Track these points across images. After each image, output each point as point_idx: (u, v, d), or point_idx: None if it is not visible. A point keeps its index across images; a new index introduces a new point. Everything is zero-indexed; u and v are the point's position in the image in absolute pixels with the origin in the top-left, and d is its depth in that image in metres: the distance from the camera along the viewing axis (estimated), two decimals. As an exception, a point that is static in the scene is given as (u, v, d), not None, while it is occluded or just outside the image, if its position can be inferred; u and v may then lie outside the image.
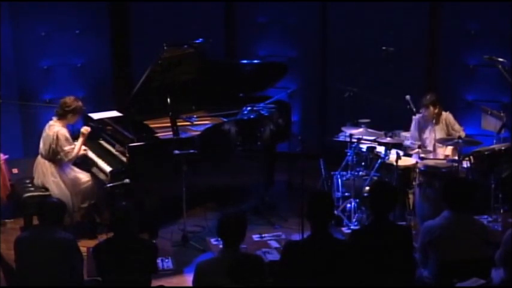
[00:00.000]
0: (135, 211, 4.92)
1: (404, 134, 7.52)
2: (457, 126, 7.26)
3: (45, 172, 6.66)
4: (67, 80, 8.40)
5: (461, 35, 8.31)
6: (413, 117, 7.34)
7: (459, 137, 6.71)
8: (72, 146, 6.70)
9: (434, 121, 7.23)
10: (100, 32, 8.64)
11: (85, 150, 6.89)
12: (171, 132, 6.65)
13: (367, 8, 8.54)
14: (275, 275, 4.68)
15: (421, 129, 7.33)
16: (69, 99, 6.71)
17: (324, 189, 7.37)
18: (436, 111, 7.20)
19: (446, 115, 7.28)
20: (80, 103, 6.73)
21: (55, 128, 6.63)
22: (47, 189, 6.64)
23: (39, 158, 6.75)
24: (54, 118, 6.70)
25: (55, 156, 6.63)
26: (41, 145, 6.71)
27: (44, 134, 6.70)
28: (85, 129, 6.83)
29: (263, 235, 6.69)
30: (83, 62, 8.56)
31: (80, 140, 6.81)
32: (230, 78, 7.61)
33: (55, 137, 6.58)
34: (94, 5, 8.49)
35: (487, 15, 8.11)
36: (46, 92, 8.21)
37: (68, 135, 6.67)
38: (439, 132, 7.22)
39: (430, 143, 7.25)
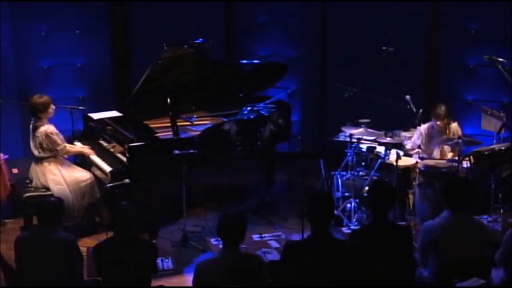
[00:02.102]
0: (135, 211, 4.92)
1: (404, 134, 7.50)
2: None
3: (44, 171, 6.66)
4: (67, 80, 8.41)
5: (461, 35, 8.31)
6: (418, 127, 7.19)
7: (459, 137, 6.70)
8: (65, 144, 6.76)
9: (447, 131, 7.11)
10: (100, 32, 8.65)
11: (88, 153, 6.97)
12: (171, 132, 6.65)
13: (367, 8, 8.53)
14: (275, 275, 4.68)
15: (430, 139, 7.17)
16: (32, 99, 6.70)
17: (324, 189, 7.37)
18: (448, 122, 7.09)
19: (455, 126, 7.17)
20: (43, 98, 6.68)
21: (40, 128, 6.65)
22: (47, 189, 6.64)
23: (34, 164, 6.74)
24: (33, 120, 6.72)
25: (50, 153, 6.66)
26: (32, 148, 6.72)
27: (31, 137, 6.71)
28: (89, 152, 6.94)
29: (263, 235, 6.69)
30: (83, 62, 8.57)
31: (80, 148, 6.93)
32: (230, 78, 7.61)
33: (44, 137, 6.62)
34: (94, 5, 8.49)
35: (487, 15, 8.11)
36: (46, 92, 8.05)
37: (56, 130, 6.70)
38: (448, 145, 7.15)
39: (437, 153, 7.19)
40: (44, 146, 6.63)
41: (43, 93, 6.82)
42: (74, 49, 8.48)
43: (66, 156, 6.84)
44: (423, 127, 7.18)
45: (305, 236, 5.30)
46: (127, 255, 4.76)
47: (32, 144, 6.71)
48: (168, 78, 6.93)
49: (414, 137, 7.24)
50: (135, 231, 4.92)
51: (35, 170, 6.73)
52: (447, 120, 7.10)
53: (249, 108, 7.36)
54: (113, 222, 5.02)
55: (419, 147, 7.04)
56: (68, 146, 6.83)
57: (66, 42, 8.42)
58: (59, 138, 6.69)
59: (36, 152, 6.69)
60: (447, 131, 7.12)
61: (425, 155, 7.09)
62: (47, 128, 6.66)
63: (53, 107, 6.76)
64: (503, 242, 4.65)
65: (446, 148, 7.17)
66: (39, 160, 6.70)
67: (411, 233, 4.91)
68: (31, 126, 6.73)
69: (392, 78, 8.12)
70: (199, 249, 6.52)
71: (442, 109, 7.04)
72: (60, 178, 6.64)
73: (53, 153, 6.67)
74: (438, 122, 7.05)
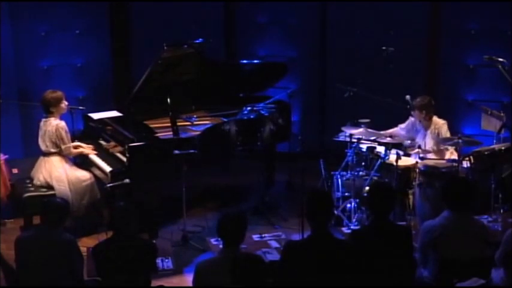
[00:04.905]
0: (135, 211, 4.93)
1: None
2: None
3: (49, 168, 6.68)
4: (67, 80, 8.40)
5: (461, 35, 8.30)
6: (410, 117, 7.31)
7: (459, 137, 6.69)
8: (71, 145, 6.78)
9: (424, 123, 7.17)
10: (100, 32, 8.64)
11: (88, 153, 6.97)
12: (171, 132, 6.66)
13: (367, 8, 8.53)
14: (275, 275, 4.69)
15: (414, 132, 7.29)
16: (45, 94, 6.77)
17: (324, 189, 7.37)
18: (423, 116, 7.11)
19: (441, 124, 7.15)
20: (56, 94, 6.75)
21: (52, 122, 6.70)
22: (47, 189, 6.65)
23: (42, 158, 6.77)
24: (44, 116, 6.77)
25: (56, 148, 6.69)
26: (40, 142, 6.75)
27: (41, 132, 6.74)
28: (91, 150, 6.95)
29: (263, 235, 6.70)
30: (83, 62, 8.56)
31: (83, 149, 6.92)
32: (230, 78, 7.61)
33: (54, 130, 6.66)
34: (94, 5, 8.48)
35: (487, 15, 8.11)
36: (46, 92, 8.21)
37: (67, 128, 6.74)
38: (430, 140, 7.16)
39: (423, 144, 7.21)
40: (53, 140, 6.66)
41: (43, 94, 6.84)
42: (74, 49, 8.47)
43: (70, 156, 6.86)
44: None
45: (305, 236, 5.29)
46: (127, 255, 4.76)
47: (40, 139, 6.74)
48: (168, 78, 6.93)
49: (403, 125, 7.36)
50: (135, 231, 4.93)
51: (41, 165, 6.74)
52: (422, 113, 7.09)
53: (249, 108, 7.36)
54: (112, 223, 5.02)
55: (419, 147, 7.04)
56: (73, 148, 6.82)
57: (66, 42, 8.41)
58: (67, 136, 6.73)
59: (43, 147, 6.72)
60: (429, 124, 7.15)
61: (414, 149, 7.11)
62: (59, 122, 6.72)
63: (65, 102, 6.82)
64: (503, 242, 4.66)
65: (428, 141, 7.16)
66: (46, 155, 6.72)
67: (411, 233, 4.91)
68: (41, 121, 6.76)
69: (392, 78, 8.11)
70: (199, 249, 6.52)
71: (416, 100, 7.11)
72: (63, 176, 6.65)
73: (58, 150, 6.70)
74: (412, 112, 7.15)
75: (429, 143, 7.14)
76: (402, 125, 7.40)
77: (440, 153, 7.16)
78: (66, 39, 8.41)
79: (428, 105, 7.11)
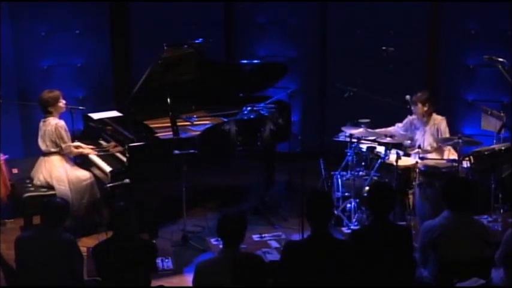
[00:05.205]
0: (135, 211, 4.93)
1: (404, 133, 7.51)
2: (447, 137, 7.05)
3: (50, 167, 6.68)
4: (67, 80, 8.41)
5: (461, 35, 8.31)
6: (409, 116, 7.34)
7: (459, 137, 6.69)
8: (71, 144, 6.78)
9: (425, 119, 7.20)
10: (100, 32, 8.65)
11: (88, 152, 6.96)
12: (171, 132, 6.66)
13: (367, 8, 8.54)
14: (275, 275, 4.69)
15: (413, 130, 7.32)
16: (42, 94, 6.78)
17: (324, 189, 7.37)
18: (426, 109, 7.14)
19: (440, 120, 7.19)
20: (53, 93, 6.76)
21: (51, 121, 6.71)
22: (47, 189, 6.65)
23: (42, 158, 6.77)
24: (43, 116, 6.78)
25: (56, 147, 6.70)
26: (40, 143, 6.75)
27: (41, 132, 6.75)
28: (91, 150, 6.91)
29: (263, 235, 6.70)
30: (83, 62, 8.57)
31: (84, 149, 6.89)
32: (230, 78, 7.61)
33: (53, 129, 6.67)
34: (94, 5, 8.49)
35: (487, 15, 8.11)
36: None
37: (66, 127, 6.75)
38: (429, 136, 7.19)
39: (421, 140, 7.22)
40: (52, 139, 6.67)
41: (40, 94, 6.84)
42: (74, 49, 8.48)
43: (71, 156, 6.86)
44: (412, 117, 7.32)
45: (305, 236, 5.29)
46: (127, 255, 4.76)
47: (40, 139, 6.74)
48: (168, 78, 6.94)
49: (400, 124, 7.39)
50: (135, 231, 4.93)
51: (41, 165, 6.75)
52: (424, 106, 7.12)
53: (249, 108, 7.36)
54: (112, 222, 5.03)
55: (419, 147, 7.04)
56: (73, 147, 6.82)
57: (66, 42, 8.42)
58: (66, 135, 6.74)
59: (43, 147, 6.73)
60: (428, 121, 7.17)
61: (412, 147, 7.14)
62: (58, 121, 6.73)
63: (63, 101, 6.82)
64: (503, 242, 4.66)
65: (427, 138, 7.17)
66: (46, 155, 6.73)
67: (411, 233, 4.91)
68: (41, 122, 6.76)
69: (392, 78, 8.12)
70: (199, 249, 6.52)
71: (417, 95, 7.14)
72: (64, 175, 6.65)
73: (58, 149, 6.70)
74: (413, 107, 7.16)
75: (428, 139, 7.15)
76: (400, 124, 7.41)
77: (439, 150, 7.17)
78: (66, 39, 8.42)
79: (430, 98, 7.16)
